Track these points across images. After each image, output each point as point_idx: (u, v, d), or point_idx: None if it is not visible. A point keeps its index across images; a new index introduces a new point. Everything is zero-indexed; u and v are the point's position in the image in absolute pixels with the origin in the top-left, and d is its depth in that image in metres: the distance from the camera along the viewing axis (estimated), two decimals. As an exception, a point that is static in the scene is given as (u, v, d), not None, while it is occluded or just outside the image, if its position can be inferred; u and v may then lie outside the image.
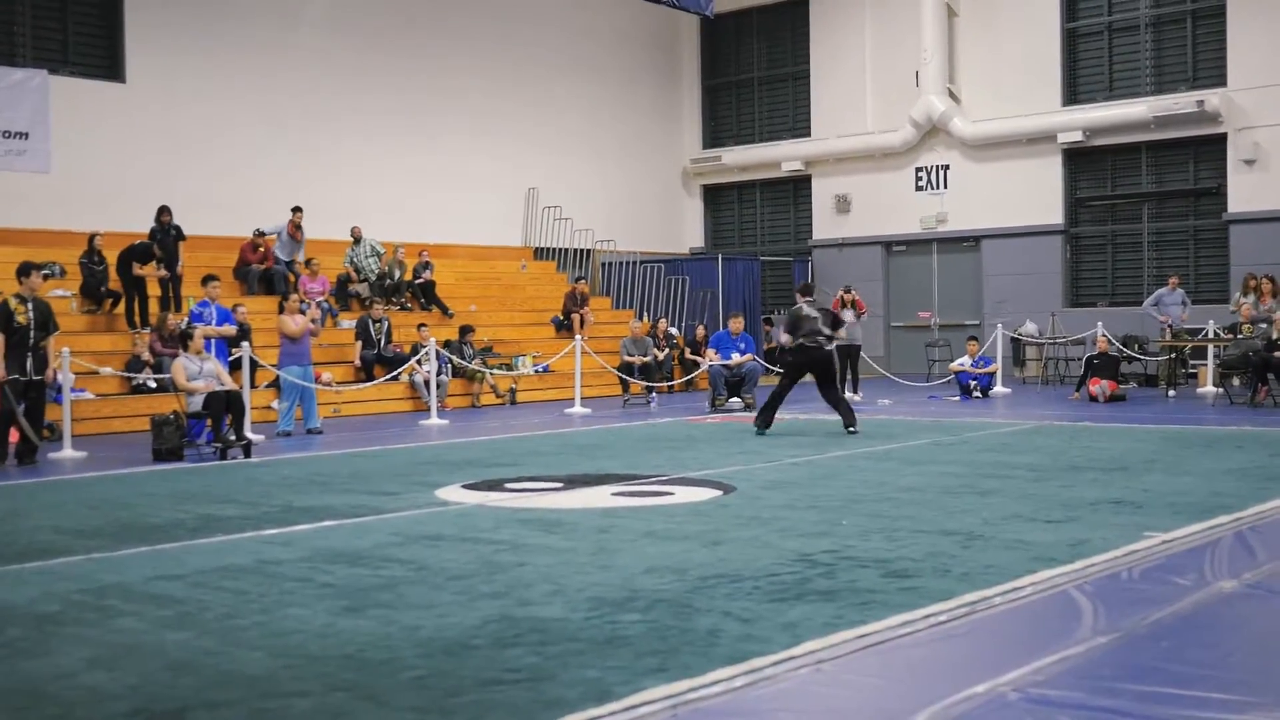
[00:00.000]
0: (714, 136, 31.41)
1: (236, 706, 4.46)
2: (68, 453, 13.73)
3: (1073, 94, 26.00)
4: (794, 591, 6.05)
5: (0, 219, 19.99)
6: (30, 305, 13.29)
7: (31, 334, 13.19)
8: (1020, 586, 6.09)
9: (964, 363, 21.24)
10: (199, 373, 14.03)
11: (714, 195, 31.85)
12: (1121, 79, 25.60)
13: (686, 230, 31.64)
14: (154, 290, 19.52)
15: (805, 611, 5.64)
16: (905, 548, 7.13)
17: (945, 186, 27.41)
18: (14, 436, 13.15)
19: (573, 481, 10.65)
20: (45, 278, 15.86)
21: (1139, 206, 25.68)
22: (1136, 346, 22.09)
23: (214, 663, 5.04)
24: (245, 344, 16.09)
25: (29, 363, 13.16)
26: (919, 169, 27.75)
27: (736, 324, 20.64)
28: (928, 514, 8.39)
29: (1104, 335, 20.45)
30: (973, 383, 20.91)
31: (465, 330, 21.08)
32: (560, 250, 28.04)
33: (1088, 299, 25.90)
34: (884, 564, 6.68)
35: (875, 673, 4.81)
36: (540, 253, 28.02)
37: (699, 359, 22.18)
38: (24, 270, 13.55)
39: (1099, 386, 19.18)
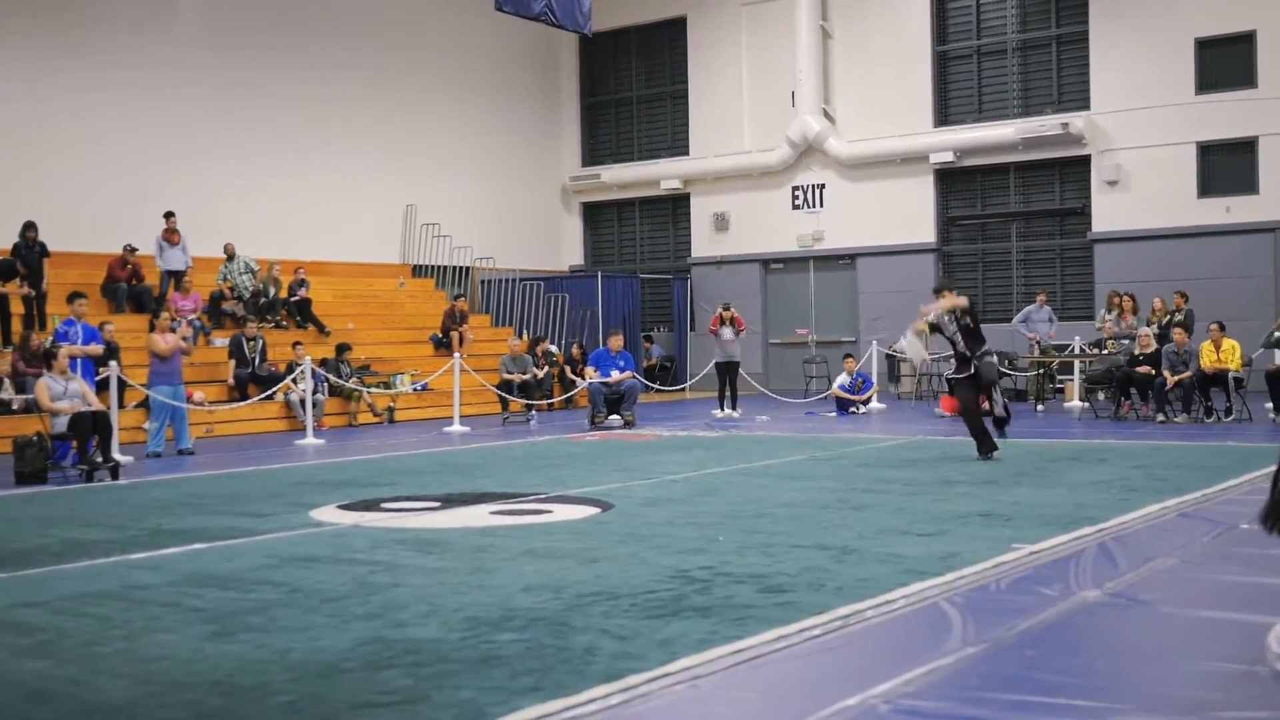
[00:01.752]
0: (593, 154, 31.52)
1: (98, 736, 4.34)
2: (-76, 476, 13.26)
3: (944, 115, 26.60)
4: (670, 608, 6.07)
5: None
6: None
7: (-115, 354, 12.73)
8: (892, 599, 6.18)
9: (842, 381, 21.50)
10: (64, 393, 13.66)
11: (593, 213, 31.93)
12: (990, 101, 26.27)
13: (565, 248, 31.67)
14: (17, 308, 18.95)
15: (681, 628, 5.65)
16: (781, 563, 7.20)
17: (821, 205, 27.82)
18: None
19: (450, 501, 10.57)
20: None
21: (1008, 225, 26.34)
22: (1006, 362, 22.58)
23: (75, 692, 4.89)
24: (113, 363, 15.70)
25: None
26: (795, 188, 28.14)
27: (616, 341, 20.69)
28: (804, 529, 8.47)
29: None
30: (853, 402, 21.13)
31: (342, 348, 20.80)
32: (439, 268, 27.86)
33: (960, 316, 26.41)
34: (760, 579, 6.73)
35: (750, 687, 4.84)
36: (419, 270, 27.82)
37: (578, 377, 22.17)
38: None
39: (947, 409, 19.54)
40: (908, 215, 26.68)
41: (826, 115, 27.40)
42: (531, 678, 4.89)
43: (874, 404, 21.54)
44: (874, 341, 23.30)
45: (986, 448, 12.77)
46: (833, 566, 7.07)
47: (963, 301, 13.09)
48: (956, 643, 5.34)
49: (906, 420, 19.27)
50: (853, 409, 20.98)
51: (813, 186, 27.91)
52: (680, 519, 9.09)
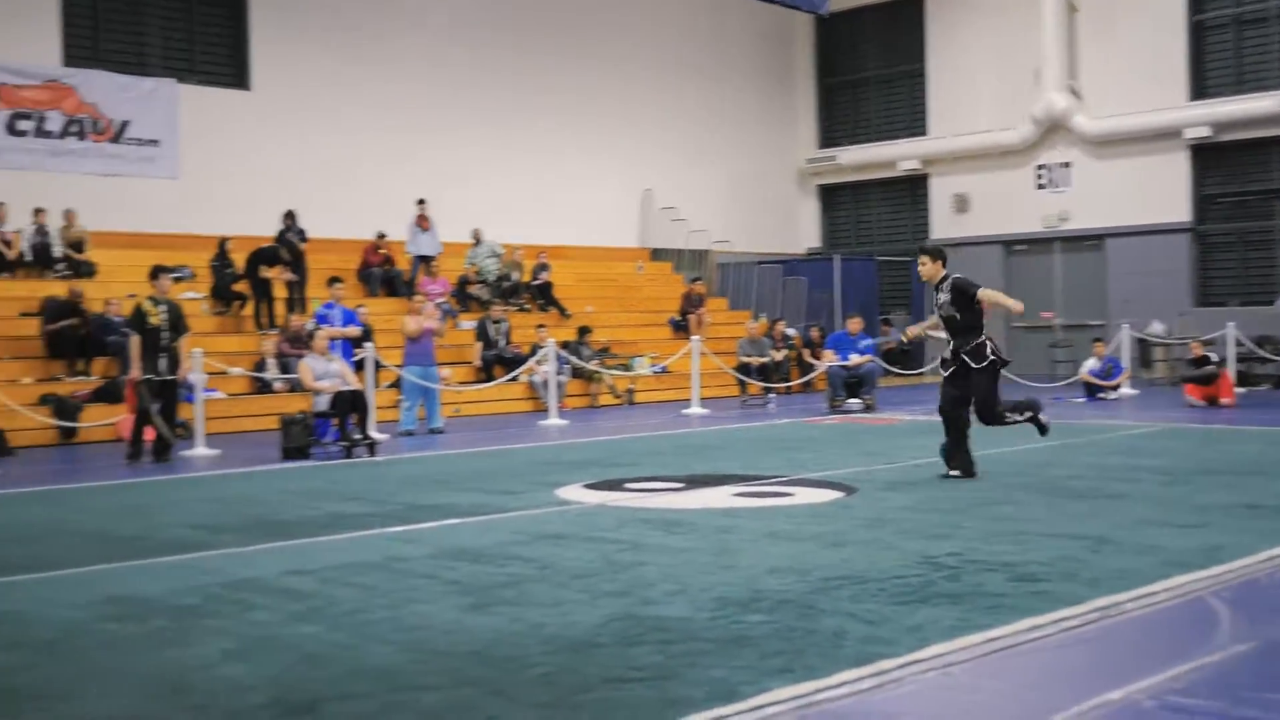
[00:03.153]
0: (829, 136, 31.20)
1: (368, 699, 4.55)
2: (200, 450, 14.10)
3: (1200, 88, 25.34)
4: (919, 594, 5.99)
5: (133, 224, 20.61)
6: (163, 307, 13.67)
7: (164, 335, 13.56)
8: (1153, 592, 5.95)
9: (1091, 365, 20.75)
10: (325, 373, 14.32)
11: (830, 195, 31.63)
12: (1251, 72, 24.88)
13: (802, 230, 31.48)
14: (280, 292, 19.96)
15: (931, 614, 5.58)
16: (1033, 551, 7.01)
17: (1067, 184, 26.90)
18: (150, 434, 13.54)
19: (692, 482, 10.66)
20: (176, 280, 16.32)
21: (1271, 203, 24.94)
22: (1270, 347, 21.43)
23: (345, 656, 5.14)
24: (369, 344, 16.38)
25: (162, 363, 13.53)
26: (1040, 167, 27.28)
27: (855, 324, 20.46)
28: (1055, 518, 8.24)
29: (1197, 342, 19.75)
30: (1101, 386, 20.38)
31: (584, 331, 21.22)
32: (677, 251, 28.08)
33: (1217, 298, 25.21)
34: (1011, 568, 6.57)
35: (1004, 677, 4.75)
36: (657, 253, 28.10)
37: (816, 360, 22.04)
38: (155, 273, 13.97)
39: (1192, 396, 18.60)
40: (1159, 193, 25.54)
41: (1072, 91, 26.45)
42: (781, 659, 4.91)
43: (1124, 389, 20.74)
44: (1124, 325, 22.42)
45: (958, 466, 10.41)
46: (1087, 557, 6.85)
47: (931, 271, 10.44)
48: (1225, 639, 5.12)
49: (1159, 407, 18.49)
50: (1101, 394, 20.24)
51: (1058, 165, 27.01)
52: (924, 505, 8.96)
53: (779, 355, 22.05)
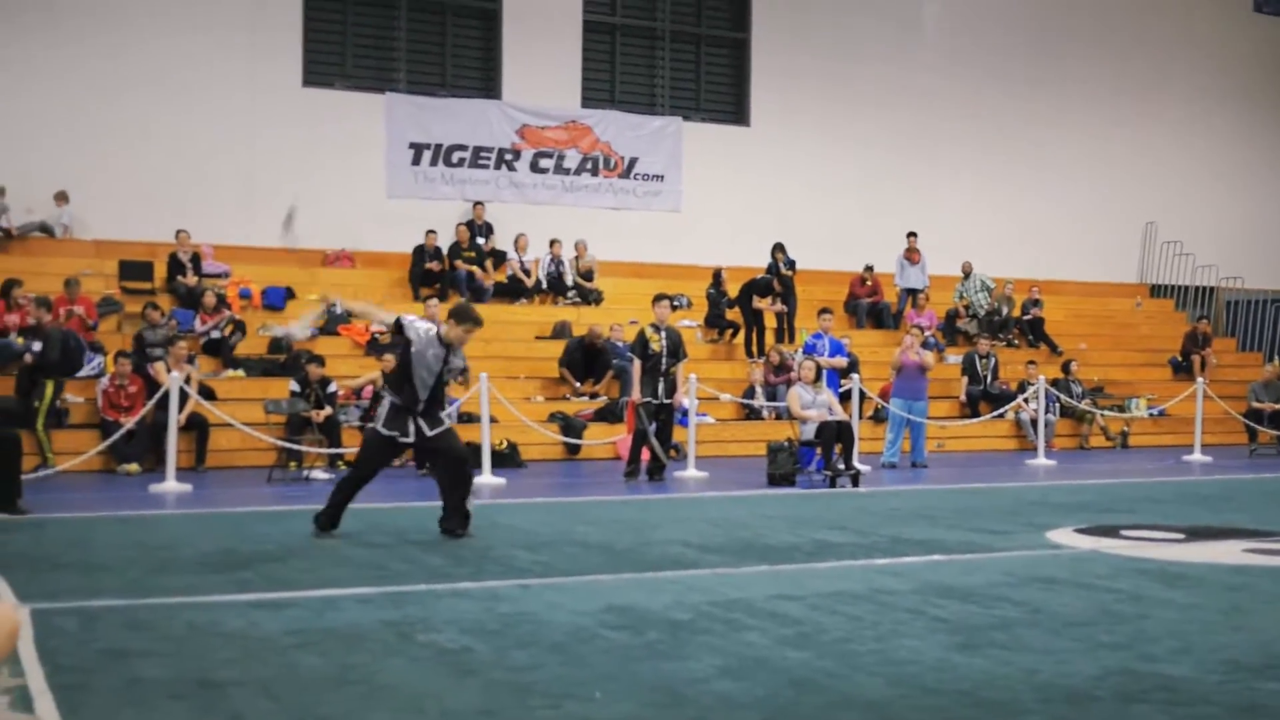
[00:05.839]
0: (1363, 163, 28.40)
1: (858, 730, 4.56)
2: (691, 472, 14.69)
3: None
4: None
5: (637, 254, 21.84)
6: (664, 334, 14.36)
7: (664, 360, 14.24)
8: None
9: None
10: (812, 402, 14.55)
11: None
12: None
13: (1327, 267, 28.81)
14: (770, 322, 20.49)
15: None
16: None
17: None
18: (645, 455, 14.26)
19: (1196, 533, 9.99)
20: (675, 308, 17.09)
21: None
22: None
23: (834, 684, 5.18)
24: (855, 375, 16.49)
25: (661, 387, 14.21)
26: None
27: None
28: None
29: None
30: None
31: (1065, 367, 20.47)
32: (1179, 287, 26.48)
33: None
34: None
35: None
36: (1157, 290, 26.61)
37: (1341, 408, 20.07)
38: (656, 300, 14.70)
39: None
40: None
41: None
42: (1305, 734, 4.50)
43: None
44: None
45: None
46: None
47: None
48: None
49: None
50: None
51: None
52: None
53: (1296, 402, 20.26)
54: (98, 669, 5.32)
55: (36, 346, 14.69)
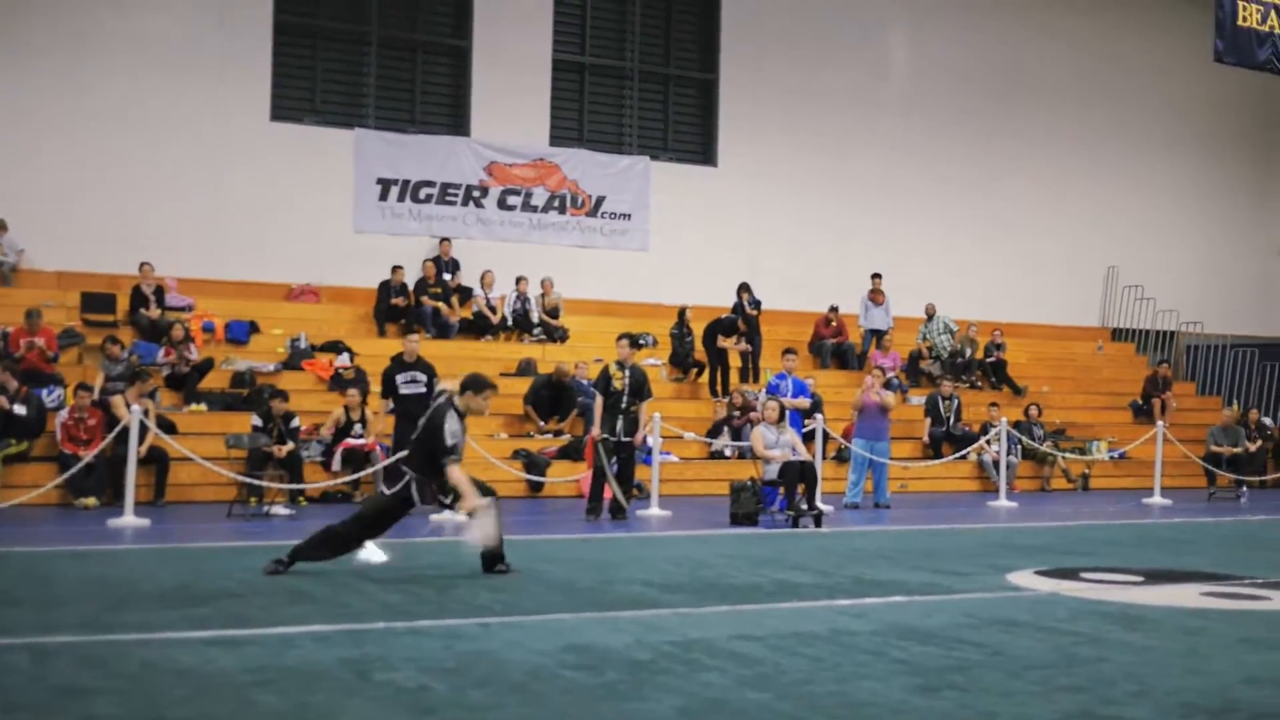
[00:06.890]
0: (1319, 212, 28.81)
1: (816, 772, 4.55)
2: (654, 511, 14.68)
3: None
4: None
5: (603, 292, 21.88)
6: (627, 372, 14.37)
7: (624, 398, 14.25)
8: None
9: None
10: (776, 442, 14.57)
11: (1319, 275, 29.15)
12: None
13: (1283, 311, 29.18)
14: (735, 362, 20.54)
15: None
16: None
17: None
18: (607, 493, 14.23)
19: (1155, 576, 10.05)
20: (640, 346, 17.11)
21: None
22: None
23: (793, 726, 5.17)
24: (819, 415, 16.55)
25: (620, 424, 14.20)
26: None
27: (1345, 417, 18.73)
28: None
29: None
30: None
31: (1027, 410, 20.59)
32: (1140, 331, 26.73)
33: None
34: None
35: None
36: (1118, 334, 26.86)
37: (1298, 453, 20.31)
38: (618, 339, 14.72)
39: None
40: None
41: None
42: (1260, 778, 4.52)
43: None
44: None
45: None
46: None
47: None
48: None
49: None
50: None
51: None
52: None
53: (1254, 446, 20.47)
54: (51, 707, 5.25)
55: (20, 410, 14.65)
